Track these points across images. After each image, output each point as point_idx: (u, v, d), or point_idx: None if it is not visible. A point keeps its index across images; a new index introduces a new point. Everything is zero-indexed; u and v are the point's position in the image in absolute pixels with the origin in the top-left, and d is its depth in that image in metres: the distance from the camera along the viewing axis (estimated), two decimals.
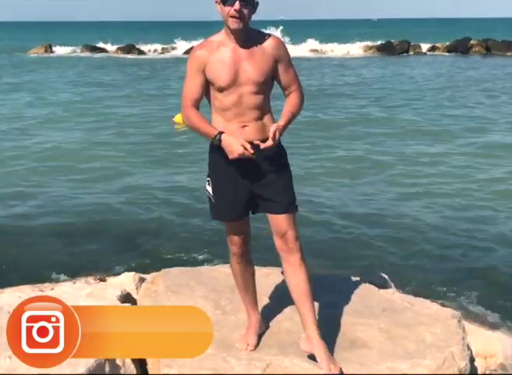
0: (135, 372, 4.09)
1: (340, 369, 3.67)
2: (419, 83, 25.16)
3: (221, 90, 3.61)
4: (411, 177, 10.59)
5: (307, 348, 3.75)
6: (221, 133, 3.57)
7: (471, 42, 47.39)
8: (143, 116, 17.38)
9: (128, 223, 8.52)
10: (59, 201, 9.49)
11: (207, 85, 3.67)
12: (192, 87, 3.66)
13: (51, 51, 52.72)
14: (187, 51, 43.91)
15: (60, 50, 53.03)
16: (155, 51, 52.27)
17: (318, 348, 3.70)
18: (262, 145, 3.56)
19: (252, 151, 3.51)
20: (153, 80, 27.65)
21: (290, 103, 3.73)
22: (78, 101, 20.24)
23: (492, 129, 15.02)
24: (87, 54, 50.42)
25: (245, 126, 3.61)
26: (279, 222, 3.75)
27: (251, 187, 3.73)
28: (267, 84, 3.67)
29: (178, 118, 15.37)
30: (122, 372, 4.03)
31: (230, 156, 3.55)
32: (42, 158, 12.28)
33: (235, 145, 3.52)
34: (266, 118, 3.68)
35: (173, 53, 50.33)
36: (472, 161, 11.68)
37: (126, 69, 33.36)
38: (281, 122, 3.62)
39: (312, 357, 3.76)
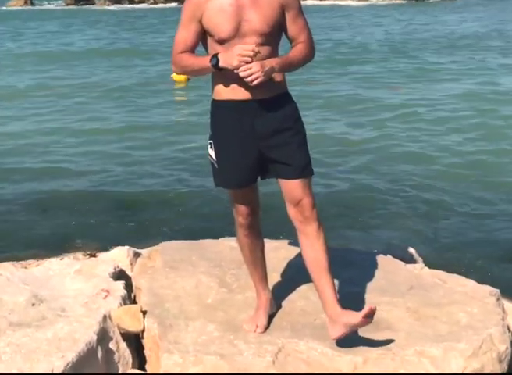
0: (131, 357, 4.07)
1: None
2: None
3: (221, 42, 3.56)
4: (444, 149, 10.46)
5: (338, 332, 3.67)
6: (216, 54, 3.52)
7: None
8: (136, 76, 17.27)
9: (121, 192, 8.51)
10: (42, 169, 9.44)
11: (203, 36, 3.63)
12: (185, 36, 3.63)
13: (32, 4, 52.63)
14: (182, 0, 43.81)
15: (42, 2, 53.00)
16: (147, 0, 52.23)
17: (345, 314, 3.65)
18: (245, 67, 3.43)
19: (251, 48, 3.42)
20: (141, 32, 27.49)
21: (293, 50, 3.68)
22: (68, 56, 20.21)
23: None
24: (72, 7, 50.38)
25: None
26: (293, 188, 3.70)
27: (260, 148, 3.69)
28: (273, 35, 3.61)
29: (176, 75, 15.31)
30: (116, 357, 4.03)
31: (234, 64, 3.45)
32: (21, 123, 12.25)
33: (232, 53, 3.45)
34: (275, 73, 3.60)
35: (168, 5, 50.23)
36: None
37: (113, 20, 33.16)
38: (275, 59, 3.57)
39: (340, 342, 3.73)
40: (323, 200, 7.49)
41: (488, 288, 4.48)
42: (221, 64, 3.48)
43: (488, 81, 15.94)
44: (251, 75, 3.43)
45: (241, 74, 3.44)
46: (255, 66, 3.43)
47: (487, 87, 15.14)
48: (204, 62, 3.55)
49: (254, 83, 3.45)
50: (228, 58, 3.46)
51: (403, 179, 8.89)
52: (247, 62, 3.43)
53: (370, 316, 3.63)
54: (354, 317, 3.63)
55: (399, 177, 8.93)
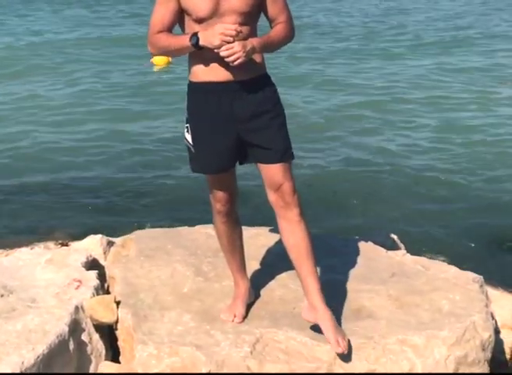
0: (104, 349, 4.06)
1: (349, 341, 3.66)
2: None
3: (199, 21, 3.53)
4: (423, 127, 10.50)
5: (310, 318, 3.73)
6: (196, 32, 3.48)
7: None
8: (109, 56, 17.11)
9: (93, 179, 8.43)
10: (11, 157, 9.37)
11: (181, 15, 3.59)
12: (162, 16, 3.59)
13: None
14: None
15: None
16: None
17: (324, 317, 3.67)
18: (227, 46, 3.41)
19: (234, 27, 3.39)
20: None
21: (273, 30, 3.67)
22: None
23: None
24: None
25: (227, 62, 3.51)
26: (273, 173, 3.69)
27: (239, 132, 3.67)
28: (252, 15, 3.59)
29: (156, 58, 15.13)
30: (89, 349, 4.02)
31: (215, 44, 3.42)
32: None
33: (213, 31, 3.42)
34: (254, 54, 3.58)
35: None
36: None
37: None
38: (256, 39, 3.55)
39: (315, 328, 3.74)
40: (303, 186, 7.48)
41: (471, 275, 4.50)
42: (201, 43, 3.45)
43: None
44: (233, 55, 3.41)
45: (222, 54, 3.42)
46: (237, 46, 3.40)
47: None
48: (183, 41, 3.51)
49: (236, 63, 3.43)
50: (209, 36, 3.43)
51: (384, 165, 8.88)
52: (229, 42, 3.40)
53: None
54: (327, 328, 3.64)
55: (380, 164, 8.91)
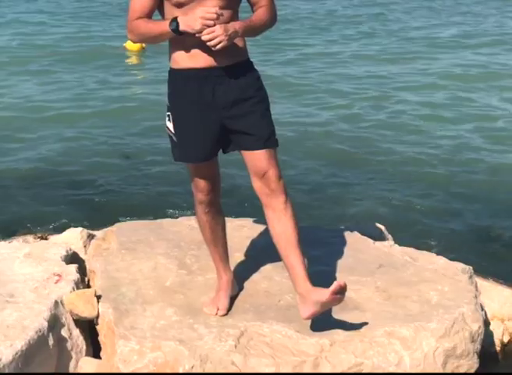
0: (84, 344, 4.05)
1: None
2: None
3: (179, 5, 3.51)
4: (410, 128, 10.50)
5: (309, 311, 3.62)
6: (176, 17, 3.47)
7: None
8: (83, 44, 16.95)
9: (72, 171, 8.40)
10: None
11: (160, 1, 3.57)
12: (140, 1, 3.57)
13: None
14: None
15: None
16: None
17: (316, 293, 3.58)
18: (208, 30, 3.39)
19: (214, 11, 3.38)
20: None
21: (255, 14, 3.67)
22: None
23: None
24: None
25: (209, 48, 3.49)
26: (258, 159, 3.68)
27: (222, 119, 3.66)
28: None
29: (129, 44, 15.06)
30: (69, 345, 4.01)
31: (196, 28, 3.41)
32: None
33: (193, 16, 3.41)
34: (236, 39, 3.57)
35: None
36: None
37: None
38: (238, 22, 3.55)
39: (305, 324, 3.73)
40: (288, 177, 7.49)
41: (460, 265, 4.52)
42: (181, 28, 3.43)
43: None
44: (214, 38, 3.40)
45: (204, 38, 3.40)
46: (218, 29, 3.39)
47: None
48: (163, 26, 3.50)
49: (218, 47, 3.42)
50: (189, 21, 3.41)
51: (371, 154, 8.90)
52: (210, 26, 3.39)
53: (340, 293, 3.57)
54: (323, 294, 3.56)
55: (366, 153, 8.93)
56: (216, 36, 3.39)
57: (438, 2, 22.84)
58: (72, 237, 5.04)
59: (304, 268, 3.70)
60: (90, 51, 15.61)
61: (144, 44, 14.70)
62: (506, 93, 11.92)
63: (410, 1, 22.95)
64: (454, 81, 12.62)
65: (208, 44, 3.42)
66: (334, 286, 3.55)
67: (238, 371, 3.60)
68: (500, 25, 18.82)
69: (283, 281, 4.01)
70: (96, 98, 12.02)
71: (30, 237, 5.63)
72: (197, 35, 3.42)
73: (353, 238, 4.87)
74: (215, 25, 3.39)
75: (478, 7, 21.87)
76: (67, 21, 19.79)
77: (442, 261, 4.58)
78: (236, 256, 4.46)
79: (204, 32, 3.40)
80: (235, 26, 3.48)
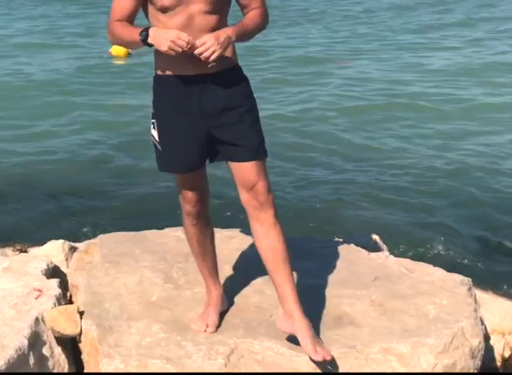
0: (67, 363, 4.03)
1: (328, 351, 3.62)
2: None
3: (164, 10, 3.49)
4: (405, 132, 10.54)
5: (285, 328, 3.69)
6: (148, 28, 3.44)
7: None
8: (66, 47, 16.97)
9: (53, 180, 8.37)
10: None
11: (144, 3, 3.56)
12: (122, 3, 3.55)
13: None
14: None
15: None
16: None
17: (301, 326, 3.63)
18: (199, 42, 3.36)
19: (186, 40, 3.32)
20: None
21: (247, 17, 3.64)
22: None
23: None
24: None
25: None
26: (246, 171, 3.67)
27: (208, 128, 3.65)
28: (222, 3, 3.57)
29: (115, 49, 15.05)
30: (50, 364, 3.99)
31: (162, 49, 3.37)
32: None
33: (166, 35, 3.36)
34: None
35: None
36: None
37: None
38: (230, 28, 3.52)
39: (292, 339, 3.71)
40: (279, 185, 7.49)
41: (458, 277, 4.51)
42: (149, 40, 3.40)
43: None
44: (207, 50, 3.36)
45: (196, 52, 3.37)
46: (210, 40, 3.36)
47: None
48: (134, 34, 3.46)
49: (212, 58, 3.39)
50: (159, 37, 3.36)
51: (364, 162, 8.93)
52: (176, 52, 3.34)
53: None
54: (303, 335, 3.59)
55: (360, 161, 8.96)
56: (208, 47, 3.36)
57: None
58: (54, 250, 5.03)
59: (293, 287, 3.70)
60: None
61: (129, 50, 14.76)
62: None
63: None
64: None
65: (201, 56, 3.38)
66: (314, 355, 3.55)
67: None
68: None
69: (275, 295, 3.97)
70: (76, 105, 12.03)
71: (8, 250, 5.62)
72: (187, 51, 3.36)
73: (346, 249, 4.86)
74: (183, 51, 3.34)
75: None
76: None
77: (439, 272, 4.57)
78: (226, 269, 4.45)
79: (197, 43, 3.35)
80: (227, 31, 3.45)
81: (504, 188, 8.14)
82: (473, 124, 10.58)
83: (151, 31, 3.40)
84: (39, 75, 14.29)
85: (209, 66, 3.44)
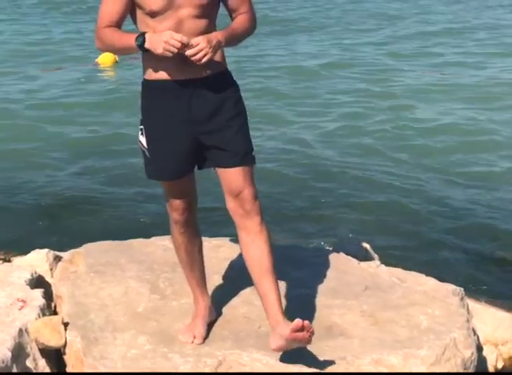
0: None
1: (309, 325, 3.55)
2: None
3: (153, 15, 3.50)
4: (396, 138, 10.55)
5: (277, 344, 3.59)
6: (144, 33, 3.47)
7: None
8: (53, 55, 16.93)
9: (37, 187, 8.34)
10: None
11: (132, 8, 3.57)
12: (110, 8, 3.56)
13: None
14: None
15: None
16: None
17: (285, 328, 3.53)
18: (194, 41, 3.39)
19: (179, 39, 3.36)
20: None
21: (236, 21, 3.67)
22: None
23: None
24: None
25: (188, 59, 3.48)
26: (232, 178, 3.67)
27: (197, 134, 3.65)
28: (211, 7, 3.58)
29: (102, 58, 15.02)
30: None
31: (157, 51, 3.41)
32: None
33: (160, 37, 3.39)
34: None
35: None
36: None
37: None
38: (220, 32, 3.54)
39: (285, 357, 3.69)
40: (266, 192, 7.48)
41: (450, 287, 4.52)
42: (147, 45, 3.43)
43: None
44: (199, 52, 3.39)
45: (188, 53, 3.40)
46: (202, 42, 3.39)
47: None
48: (129, 40, 3.48)
49: (203, 60, 3.42)
50: (154, 41, 3.40)
51: (355, 169, 8.93)
52: (172, 52, 3.37)
53: (300, 330, 3.50)
54: (286, 330, 3.52)
55: (350, 169, 8.95)
56: (200, 49, 3.39)
57: None
58: (38, 260, 4.99)
59: (277, 297, 3.69)
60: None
61: (117, 58, 14.79)
62: None
63: None
64: None
65: (193, 58, 3.41)
66: (293, 324, 3.51)
67: None
68: None
69: None
70: (62, 105, 12.04)
71: None
72: (182, 51, 3.40)
73: (336, 258, 4.86)
74: (178, 51, 3.37)
75: None
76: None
77: (431, 282, 4.58)
78: (214, 279, 4.45)
79: (191, 43, 3.38)
80: (217, 36, 3.48)
81: (495, 199, 8.15)
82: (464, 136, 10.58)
83: (147, 36, 3.42)
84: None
85: (200, 63, 3.43)
